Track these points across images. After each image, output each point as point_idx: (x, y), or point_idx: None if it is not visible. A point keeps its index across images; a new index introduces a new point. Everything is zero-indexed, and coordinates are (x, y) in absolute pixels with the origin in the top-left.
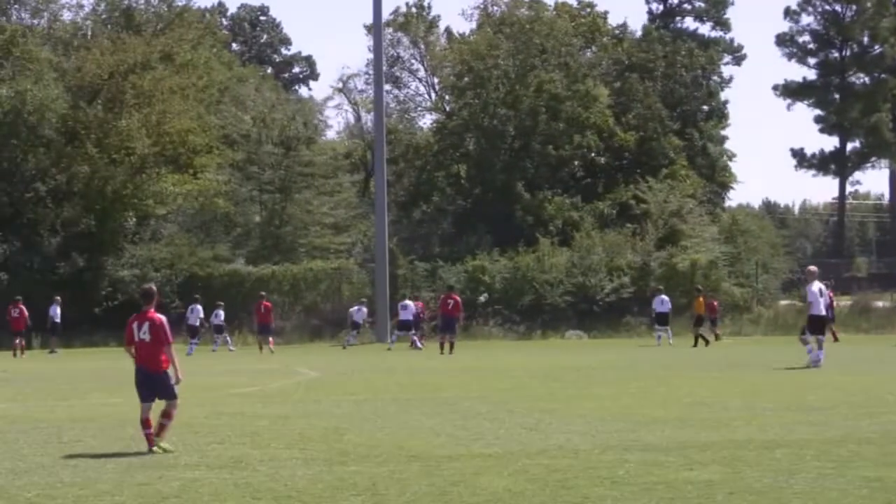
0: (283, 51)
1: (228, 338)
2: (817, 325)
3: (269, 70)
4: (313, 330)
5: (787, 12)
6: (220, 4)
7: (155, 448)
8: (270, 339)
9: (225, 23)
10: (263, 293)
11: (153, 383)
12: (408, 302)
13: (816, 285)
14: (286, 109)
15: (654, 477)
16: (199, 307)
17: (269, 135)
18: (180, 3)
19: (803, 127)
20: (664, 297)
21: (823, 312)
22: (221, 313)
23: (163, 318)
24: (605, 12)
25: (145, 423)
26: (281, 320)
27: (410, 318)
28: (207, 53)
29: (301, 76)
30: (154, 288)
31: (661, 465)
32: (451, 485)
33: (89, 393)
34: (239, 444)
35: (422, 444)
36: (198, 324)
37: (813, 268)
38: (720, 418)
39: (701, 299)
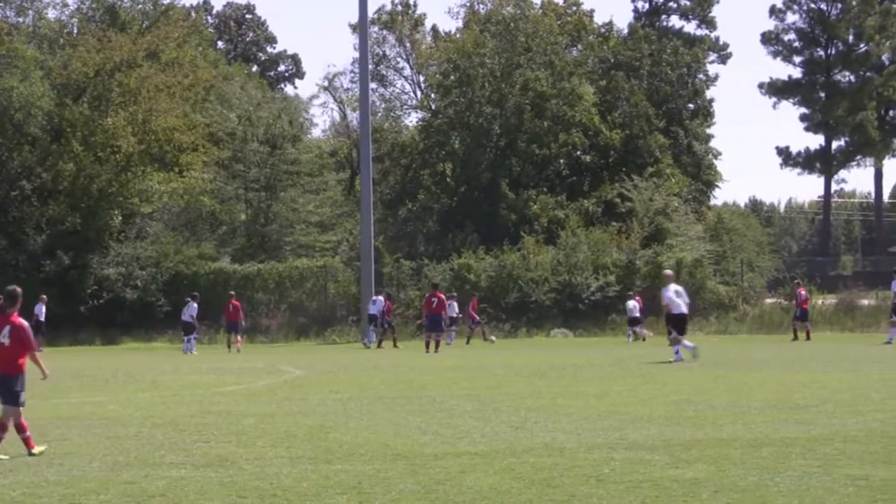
0: (269, 49)
1: (193, 338)
2: (677, 323)
3: (255, 68)
4: (299, 328)
5: (773, 10)
6: (206, 2)
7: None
8: (239, 337)
9: (210, 21)
10: (233, 292)
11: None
12: (378, 297)
13: (672, 288)
14: (272, 108)
15: (640, 475)
16: (195, 304)
17: (255, 133)
18: (166, 1)
19: (789, 125)
20: (634, 302)
21: (684, 310)
22: (195, 306)
23: (25, 323)
24: (591, 11)
25: (18, 427)
26: (266, 318)
27: (375, 312)
28: (193, 51)
29: (287, 74)
30: (18, 290)
31: (647, 463)
32: (436, 483)
33: (74, 391)
34: (225, 442)
35: (407, 442)
36: (191, 320)
37: (668, 272)
38: (706, 416)
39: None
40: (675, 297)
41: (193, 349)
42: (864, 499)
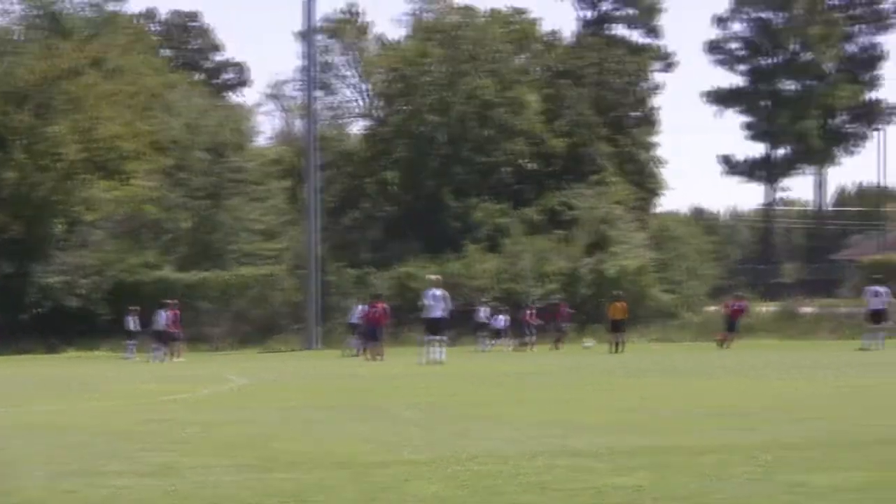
0: (215, 57)
1: (132, 344)
2: (433, 326)
3: (200, 76)
4: (243, 336)
5: (717, 19)
6: (151, 10)
7: None
8: (177, 346)
9: (155, 28)
10: (172, 301)
11: None
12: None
13: (432, 292)
14: (216, 116)
15: (582, 483)
16: (164, 312)
17: (199, 141)
18: (110, 9)
19: (732, 134)
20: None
21: (440, 314)
22: (131, 319)
23: None
24: (537, 19)
25: None
26: (210, 327)
27: (355, 321)
28: (137, 59)
29: (232, 82)
30: None
31: (590, 470)
32: (379, 491)
33: (14, 400)
34: (168, 450)
35: (350, 450)
36: (162, 329)
37: (432, 276)
38: (650, 424)
39: (618, 304)
40: (433, 300)
41: (159, 357)
42: None
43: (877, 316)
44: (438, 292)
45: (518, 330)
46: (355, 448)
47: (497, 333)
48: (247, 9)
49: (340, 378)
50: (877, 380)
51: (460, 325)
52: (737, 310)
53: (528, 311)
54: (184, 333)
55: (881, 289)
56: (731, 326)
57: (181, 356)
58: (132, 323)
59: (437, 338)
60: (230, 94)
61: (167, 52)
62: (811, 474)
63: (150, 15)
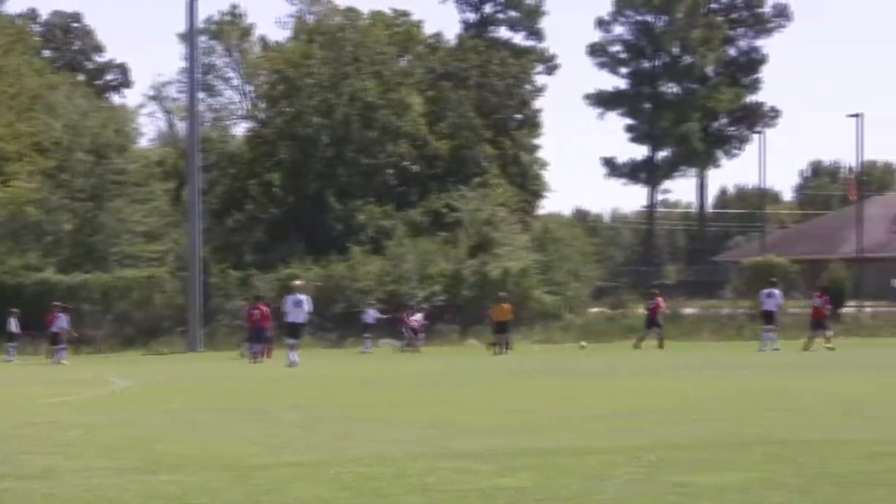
0: (96, 58)
1: (12, 346)
2: (292, 330)
3: (82, 77)
4: (125, 339)
5: (600, 22)
6: (32, 10)
7: None
8: (59, 348)
9: (36, 29)
10: (57, 303)
11: None
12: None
13: (293, 297)
14: (98, 117)
15: (466, 484)
16: (63, 315)
17: (81, 142)
18: None
19: (615, 136)
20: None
21: (300, 320)
22: (13, 321)
23: None
24: (421, 21)
25: None
26: (92, 329)
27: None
28: (18, 60)
29: (114, 84)
30: None
31: (474, 472)
32: (262, 493)
33: None
34: (50, 453)
35: (234, 452)
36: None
37: (297, 282)
38: (534, 425)
39: (503, 306)
40: (294, 306)
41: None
42: None
43: (768, 317)
44: (301, 297)
45: (399, 332)
46: (239, 450)
47: (413, 333)
48: (129, 10)
49: (224, 380)
50: (761, 381)
51: (346, 327)
52: (653, 308)
53: (407, 313)
54: (68, 336)
55: (775, 291)
56: (652, 324)
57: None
58: (14, 325)
59: (295, 341)
60: (112, 95)
61: (48, 53)
62: (695, 475)
63: (30, 15)
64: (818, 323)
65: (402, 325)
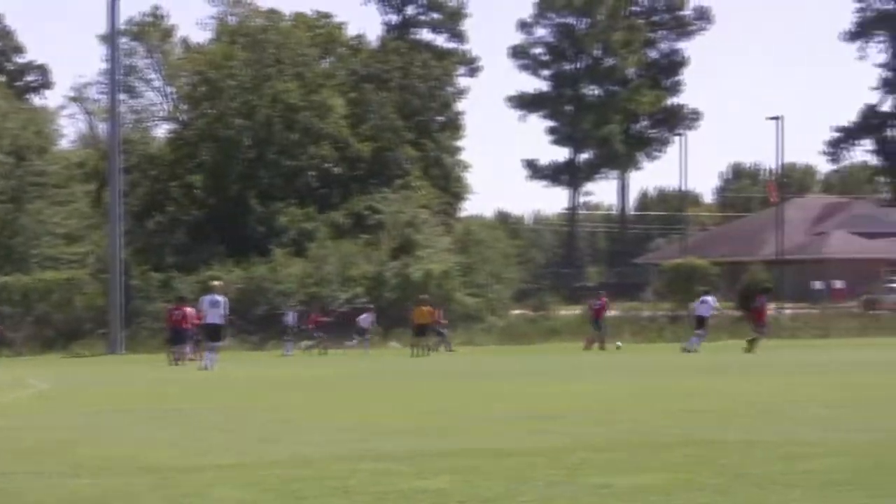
0: (17, 59)
1: None
2: (210, 333)
3: (2, 79)
4: (45, 341)
5: (522, 24)
6: None
7: None
8: None
9: None
10: None
11: None
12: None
13: (209, 298)
14: (18, 118)
15: (386, 486)
16: None
17: (1, 144)
18: None
19: (537, 138)
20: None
21: (218, 321)
22: None
23: None
24: (342, 23)
25: None
26: (12, 332)
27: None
28: None
29: (34, 85)
30: None
31: (393, 473)
32: (183, 496)
33: None
34: None
35: (155, 456)
36: None
37: (215, 283)
38: (454, 427)
39: (423, 309)
40: (211, 307)
41: None
42: None
43: (700, 321)
44: (219, 298)
45: (305, 334)
46: (160, 453)
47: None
48: (50, 11)
49: (145, 383)
50: (680, 382)
51: (267, 329)
52: (598, 309)
53: (312, 314)
54: None
55: (709, 298)
56: (597, 326)
57: None
58: None
59: (213, 344)
60: (33, 96)
61: None
62: (616, 476)
63: None
64: (761, 324)
65: (312, 326)
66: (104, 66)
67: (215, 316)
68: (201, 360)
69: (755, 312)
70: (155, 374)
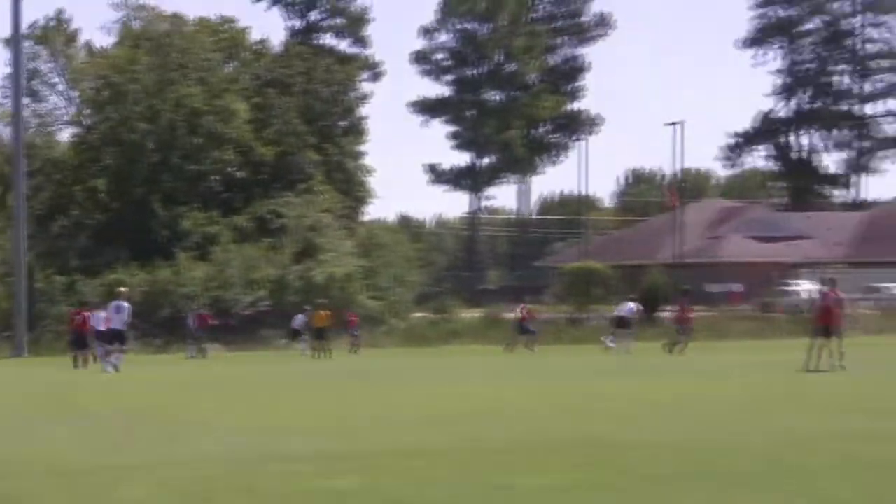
0: None
1: None
2: (111, 338)
3: None
4: None
5: (424, 30)
6: None
7: None
8: None
9: None
10: None
11: None
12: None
13: (115, 304)
14: None
15: (291, 486)
16: None
17: None
18: None
19: (439, 143)
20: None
21: (120, 327)
22: None
23: None
24: (247, 28)
25: None
26: None
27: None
28: None
29: None
30: None
31: (298, 474)
32: (87, 497)
33: None
34: None
35: (59, 457)
36: None
37: (121, 288)
38: (358, 427)
39: (322, 313)
40: (116, 312)
41: None
42: None
43: (621, 322)
44: (123, 304)
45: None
46: (64, 454)
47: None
48: None
49: (49, 385)
50: (580, 384)
51: (171, 332)
52: (525, 314)
53: (196, 317)
54: None
55: (631, 304)
56: (525, 330)
57: None
58: None
59: (114, 347)
60: None
61: None
62: (518, 476)
63: None
64: (685, 327)
65: (198, 328)
66: (7, 70)
67: (118, 322)
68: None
69: (679, 315)
70: (59, 377)
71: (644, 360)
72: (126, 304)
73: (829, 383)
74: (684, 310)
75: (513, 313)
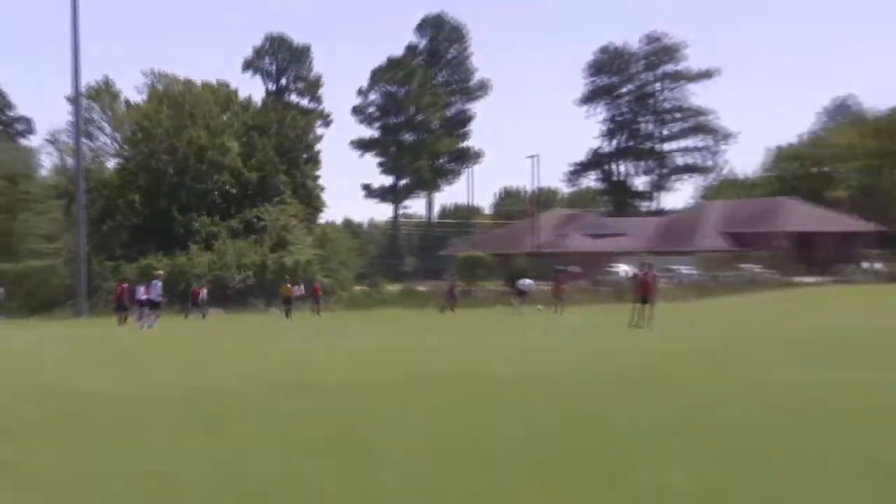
0: (9, 113)
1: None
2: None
3: None
4: (31, 309)
5: (360, 91)
6: None
7: None
8: None
9: None
10: None
11: None
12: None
13: (154, 282)
14: (11, 154)
15: (266, 406)
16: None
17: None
18: None
19: (371, 169)
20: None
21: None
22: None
23: None
24: (236, 89)
25: None
26: (8, 303)
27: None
28: None
29: (22, 131)
30: None
31: (272, 397)
32: (129, 415)
33: None
34: None
35: (107, 387)
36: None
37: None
38: (312, 366)
39: (288, 286)
40: (153, 287)
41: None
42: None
43: (520, 292)
44: (159, 282)
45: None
46: (111, 385)
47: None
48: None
49: (101, 338)
50: (460, 338)
51: (185, 301)
52: (452, 285)
53: (194, 289)
54: None
55: (528, 280)
56: (452, 297)
57: None
58: None
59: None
60: (21, 139)
61: None
62: (408, 399)
63: None
64: (558, 296)
65: (193, 299)
66: (70, 118)
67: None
68: (145, 323)
69: (554, 288)
70: (108, 333)
71: (531, 320)
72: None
73: (638, 336)
74: (559, 283)
75: (424, 287)
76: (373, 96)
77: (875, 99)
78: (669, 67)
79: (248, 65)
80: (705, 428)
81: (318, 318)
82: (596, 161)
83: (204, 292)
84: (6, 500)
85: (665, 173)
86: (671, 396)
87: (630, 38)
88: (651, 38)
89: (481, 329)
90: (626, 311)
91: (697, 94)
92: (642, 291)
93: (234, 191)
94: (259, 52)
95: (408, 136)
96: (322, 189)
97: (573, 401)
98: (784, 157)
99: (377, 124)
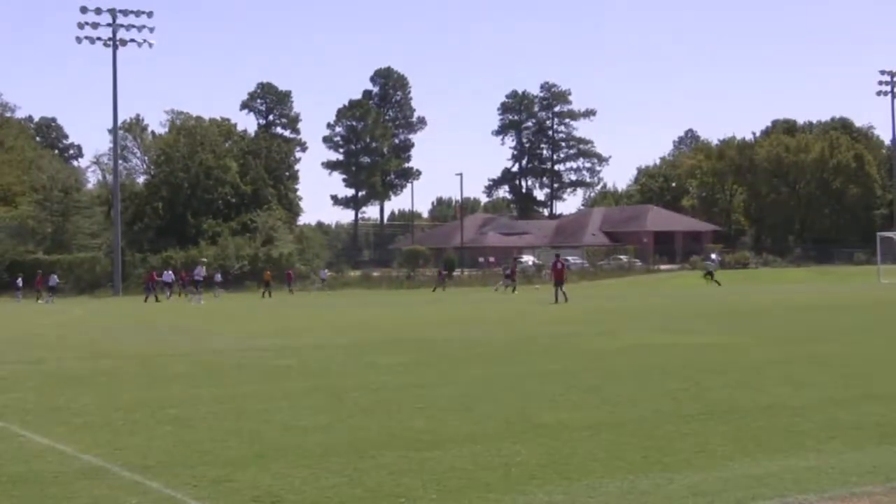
0: (64, 140)
1: (18, 293)
2: (195, 284)
3: (56, 152)
4: (80, 290)
5: (328, 125)
6: (29, 116)
7: None
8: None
9: (30, 126)
10: (39, 271)
11: None
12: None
13: (196, 267)
14: (65, 172)
15: (260, 363)
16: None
17: (56, 185)
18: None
19: (338, 184)
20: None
21: (199, 278)
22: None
23: None
24: (235, 123)
25: None
26: (62, 284)
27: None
28: (22, 142)
29: (73, 155)
30: None
31: (263, 357)
32: (153, 370)
33: None
34: (37, 348)
35: (135, 348)
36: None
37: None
38: (294, 332)
39: (267, 272)
40: (195, 271)
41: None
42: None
43: (509, 276)
44: (202, 268)
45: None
46: (138, 347)
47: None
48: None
49: (132, 311)
50: (415, 309)
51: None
52: (441, 272)
53: (182, 273)
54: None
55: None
56: (442, 279)
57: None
58: (21, 282)
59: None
60: (72, 161)
61: (39, 139)
62: (380, 357)
63: (29, 119)
64: (510, 278)
65: (185, 281)
66: (110, 145)
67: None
68: (191, 299)
69: (512, 273)
70: (137, 308)
71: (490, 297)
72: (202, 268)
73: (557, 309)
74: (514, 270)
75: (378, 273)
76: (339, 129)
77: (712, 131)
78: (560, 108)
79: (244, 105)
80: (591, 377)
81: (291, 296)
82: (507, 177)
83: (201, 270)
84: (60, 433)
85: (558, 187)
86: (558, 357)
87: (530, 85)
88: (546, 86)
89: (433, 303)
90: (530, 289)
91: (581, 128)
92: (556, 276)
93: (233, 200)
94: (252, 96)
95: (365, 159)
96: (300, 199)
97: (496, 359)
98: (647, 175)
99: (342, 150)
